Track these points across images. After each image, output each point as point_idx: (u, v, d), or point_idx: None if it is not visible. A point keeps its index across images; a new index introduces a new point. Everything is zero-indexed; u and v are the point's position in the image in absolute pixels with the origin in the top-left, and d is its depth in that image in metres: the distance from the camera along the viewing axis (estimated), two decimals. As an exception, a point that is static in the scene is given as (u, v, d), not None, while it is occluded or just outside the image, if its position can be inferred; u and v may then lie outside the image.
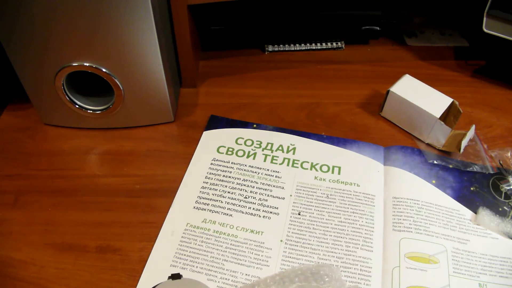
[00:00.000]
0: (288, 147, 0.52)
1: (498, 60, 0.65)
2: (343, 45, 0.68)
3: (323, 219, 0.45)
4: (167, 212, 0.46)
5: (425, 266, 0.41)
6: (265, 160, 0.51)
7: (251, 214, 0.46)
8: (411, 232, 0.44)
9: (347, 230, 0.44)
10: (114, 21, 0.43)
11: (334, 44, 0.67)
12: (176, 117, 0.56)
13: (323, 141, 0.53)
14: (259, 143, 0.53)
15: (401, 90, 0.53)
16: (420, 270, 0.41)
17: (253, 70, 0.64)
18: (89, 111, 0.52)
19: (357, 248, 0.43)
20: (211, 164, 0.50)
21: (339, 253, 0.43)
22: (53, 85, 0.49)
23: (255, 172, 0.50)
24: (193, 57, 0.57)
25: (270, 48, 0.67)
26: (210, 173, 0.49)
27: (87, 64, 0.47)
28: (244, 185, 0.48)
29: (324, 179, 0.49)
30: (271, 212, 0.46)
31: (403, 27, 0.71)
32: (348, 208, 0.46)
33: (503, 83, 0.61)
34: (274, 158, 0.51)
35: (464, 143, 0.51)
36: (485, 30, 0.56)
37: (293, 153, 0.52)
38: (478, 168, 0.50)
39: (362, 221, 0.45)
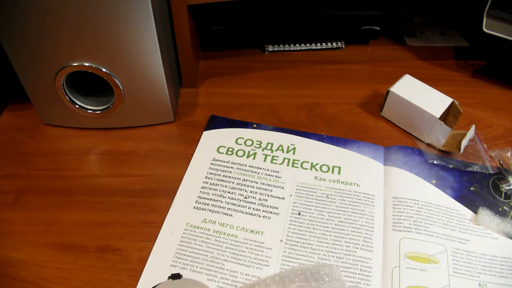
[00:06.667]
0: (288, 147, 0.52)
1: (498, 60, 0.65)
2: (343, 45, 0.68)
3: (323, 219, 0.45)
4: (167, 212, 0.46)
5: (425, 266, 0.41)
6: (265, 160, 0.51)
7: (251, 214, 0.46)
8: (411, 232, 0.44)
9: (347, 230, 0.44)
10: (114, 21, 0.43)
11: (334, 44, 0.67)
12: (176, 117, 0.56)
13: (323, 141, 0.53)
14: (259, 143, 0.53)
15: (401, 90, 0.53)
16: (420, 270, 0.41)
17: (253, 70, 0.64)
18: (89, 111, 0.52)
19: (357, 248, 0.43)
20: (211, 164, 0.50)
21: (339, 253, 0.43)
22: (53, 85, 0.49)
23: (255, 172, 0.50)
24: (193, 57, 0.57)
25: (270, 48, 0.67)
26: (210, 173, 0.49)
27: (87, 64, 0.47)
28: (244, 185, 0.48)
29: (324, 179, 0.49)
30: (271, 212, 0.46)
31: (403, 27, 0.71)
32: (348, 208, 0.46)
33: (503, 83, 0.61)
34: (274, 158, 0.51)
35: (464, 143, 0.51)
36: (485, 30, 0.56)
37: (293, 153, 0.52)
38: (478, 168, 0.50)
39: (362, 221, 0.45)
